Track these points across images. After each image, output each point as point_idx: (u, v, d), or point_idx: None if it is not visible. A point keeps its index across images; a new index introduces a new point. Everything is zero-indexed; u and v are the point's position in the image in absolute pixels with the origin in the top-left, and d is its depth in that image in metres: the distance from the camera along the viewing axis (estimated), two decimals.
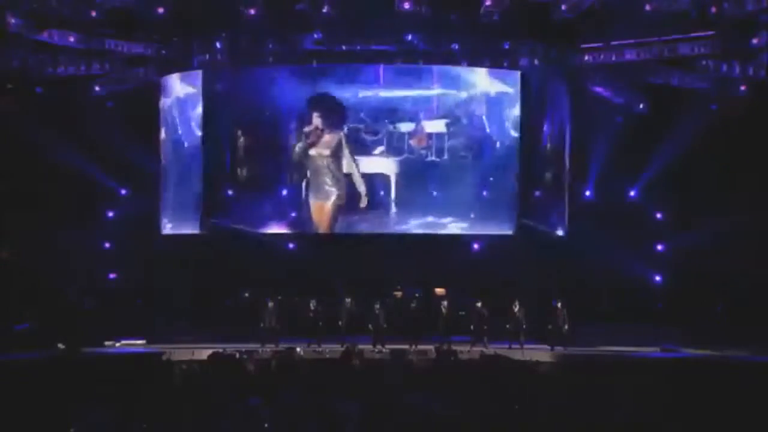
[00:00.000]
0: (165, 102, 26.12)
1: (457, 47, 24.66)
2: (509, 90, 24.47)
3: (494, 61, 25.24)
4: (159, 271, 25.54)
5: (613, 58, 24.86)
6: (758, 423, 12.84)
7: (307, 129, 24.42)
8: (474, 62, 25.15)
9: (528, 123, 25.53)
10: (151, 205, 26.41)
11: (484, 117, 24.06)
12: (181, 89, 25.90)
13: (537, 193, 26.06)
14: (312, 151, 24.15)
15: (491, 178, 24.39)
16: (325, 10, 23.05)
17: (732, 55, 23.87)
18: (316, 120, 24.18)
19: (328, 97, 24.06)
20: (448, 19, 24.07)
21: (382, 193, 23.94)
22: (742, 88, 24.50)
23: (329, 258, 25.27)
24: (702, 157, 24.89)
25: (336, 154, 23.84)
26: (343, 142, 23.73)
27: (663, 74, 25.09)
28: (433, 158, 23.59)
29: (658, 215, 26.25)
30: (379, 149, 23.77)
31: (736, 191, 24.69)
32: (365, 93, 23.86)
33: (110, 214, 26.59)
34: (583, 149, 26.30)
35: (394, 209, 23.98)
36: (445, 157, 23.71)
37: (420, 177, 23.84)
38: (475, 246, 26.02)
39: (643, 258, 25.74)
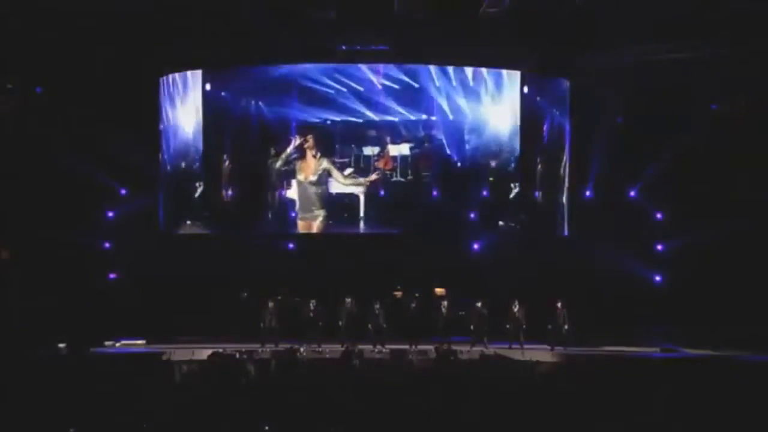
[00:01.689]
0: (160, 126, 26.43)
1: (456, 48, 24.72)
2: (468, 115, 25.24)
3: (494, 61, 25.29)
4: (159, 271, 25.51)
5: (614, 58, 24.85)
6: (758, 423, 12.84)
7: (297, 139, 25.08)
8: (474, 62, 25.20)
9: (528, 123, 25.59)
10: (151, 204, 26.40)
11: (444, 140, 25.18)
12: (171, 114, 26.13)
13: (536, 193, 26.11)
14: (300, 176, 25.07)
15: (455, 196, 25.44)
16: (331, 15, 23.29)
17: (731, 55, 23.93)
18: (308, 141, 25.08)
19: (322, 126, 25.12)
20: (448, 19, 24.08)
21: (347, 214, 25.19)
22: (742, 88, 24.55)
23: (328, 258, 25.29)
24: (702, 157, 24.88)
25: (321, 181, 25.07)
26: (331, 169, 25.02)
27: (663, 74, 25.07)
28: (399, 178, 25.07)
29: (658, 215, 26.24)
30: (348, 170, 25.14)
31: (736, 191, 24.68)
32: (334, 118, 25.07)
33: (110, 214, 26.58)
34: (583, 149, 26.29)
35: (362, 226, 25.13)
36: (410, 177, 25.19)
37: (386, 196, 25.23)
38: (475, 246, 26.05)
39: (643, 258, 25.74)
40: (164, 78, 26.18)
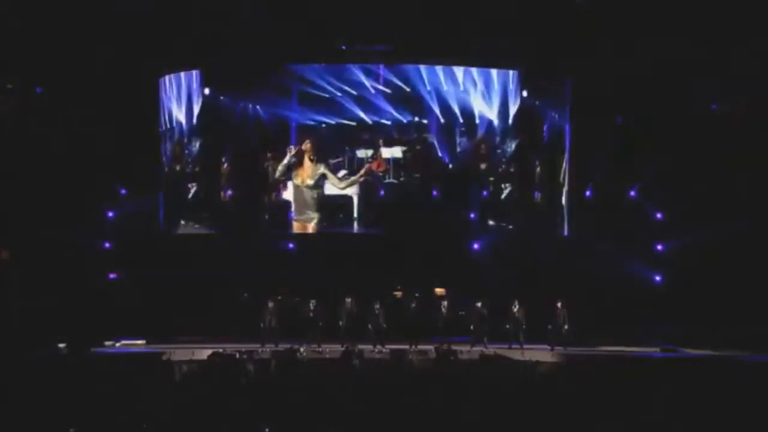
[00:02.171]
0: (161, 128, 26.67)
1: (455, 48, 24.78)
2: (460, 117, 25.56)
3: (494, 61, 25.33)
4: (159, 271, 25.53)
5: (614, 58, 24.85)
6: (758, 423, 12.84)
7: (293, 149, 25.45)
8: (473, 62, 25.25)
9: (526, 123, 25.63)
10: (151, 204, 26.42)
11: (435, 143, 25.57)
12: (169, 115, 26.34)
13: (536, 193, 26.16)
14: (296, 180, 25.50)
15: (447, 196, 25.81)
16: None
17: (731, 55, 23.96)
18: (306, 145, 25.44)
19: (321, 129, 25.56)
20: (447, 19, 24.11)
21: (342, 215, 25.66)
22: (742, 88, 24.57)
23: (328, 258, 25.32)
24: (702, 157, 24.88)
25: (317, 185, 25.54)
26: (328, 174, 25.46)
27: (663, 74, 25.07)
28: (391, 180, 25.56)
29: (658, 215, 26.23)
30: (342, 172, 25.67)
31: (736, 191, 24.68)
32: (328, 121, 25.57)
33: (110, 214, 26.58)
34: (583, 149, 26.28)
35: (356, 227, 25.57)
36: (402, 178, 25.68)
37: (379, 197, 25.72)
38: (475, 246, 26.06)
39: (643, 258, 25.73)
40: (163, 79, 26.26)
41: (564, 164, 26.47)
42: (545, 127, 26.25)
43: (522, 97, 25.58)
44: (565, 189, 26.46)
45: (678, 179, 25.43)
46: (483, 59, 25.32)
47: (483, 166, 25.78)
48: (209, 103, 25.65)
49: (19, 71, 25.29)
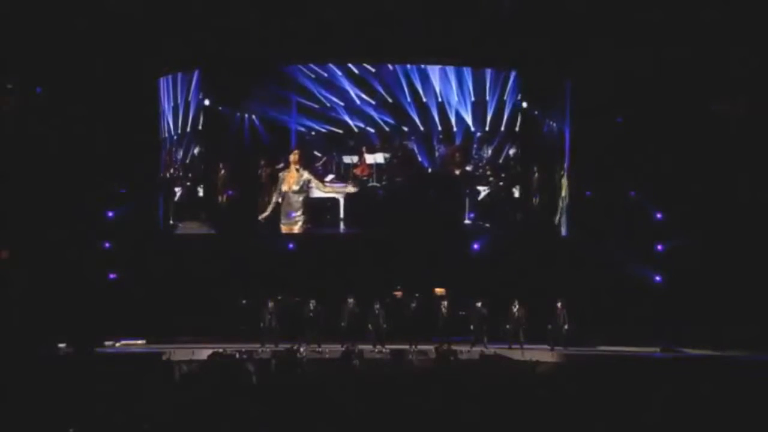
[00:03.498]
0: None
1: (455, 46, 24.81)
2: (439, 124, 25.89)
3: (492, 61, 25.35)
4: (159, 271, 25.53)
5: (614, 58, 24.86)
6: (758, 423, 12.84)
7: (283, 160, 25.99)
8: (472, 63, 25.28)
9: (528, 122, 25.65)
10: (151, 204, 26.44)
11: (415, 149, 26.08)
12: (167, 116, 26.51)
13: (536, 196, 26.23)
14: (283, 186, 25.93)
15: (426, 200, 26.25)
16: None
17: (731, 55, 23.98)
18: (294, 156, 25.85)
19: (312, 135, 26.07)
20: (447, 18, 24.13)
21: (329, 216, 26.17)
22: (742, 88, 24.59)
23: (329, 258, 25.33)
24: (702, 157, 24.89)
25: (303, 190, 26.08)
26: (312, 180, 26.04)
27: (663, 74, 25.09)
28: (374, 183, 26.20)
29: (658, 215, 26.23)
30: (330, 177, 26.24)
31: (736, 191, 24.69)
32: (317, 128, 26.06)
33: (110, 214, 26.58)
34: (583, 149, 26.28)
35: (342, 227, 26.05)
36: (385, 182, 26.24)
37: (364, 199, 26.23)
38: (475, 246, 26.07)
39: (643, 258, 25.73)
40: (162, 79, 26.32)
41: (564, 165, 26.47)
42: (545, 126, 26.29)
43: (515, 102, 25.63)
44: (564, 189, 26.46)
45: (678, 179, 25.42)
46: (482, 60, 25.33)
47: (457, 172, 25.95)
48: (207, 110, 25.76)
49: (19, 71, 25.29)
